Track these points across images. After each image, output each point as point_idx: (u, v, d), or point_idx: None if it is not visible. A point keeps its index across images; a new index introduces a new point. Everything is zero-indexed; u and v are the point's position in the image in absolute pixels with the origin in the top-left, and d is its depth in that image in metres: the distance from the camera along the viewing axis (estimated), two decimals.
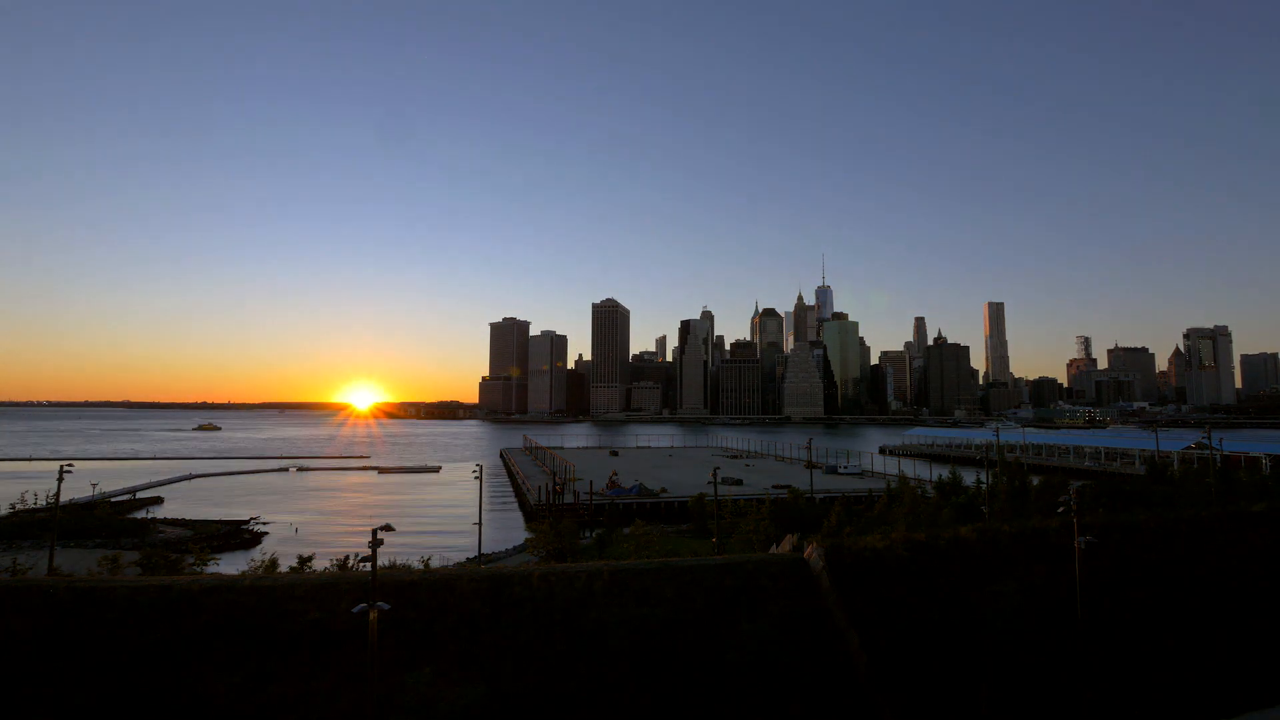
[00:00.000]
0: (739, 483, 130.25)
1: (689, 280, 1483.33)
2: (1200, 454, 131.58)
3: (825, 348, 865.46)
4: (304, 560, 51.48)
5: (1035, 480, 77.87)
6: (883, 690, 30.49)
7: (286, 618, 30.65)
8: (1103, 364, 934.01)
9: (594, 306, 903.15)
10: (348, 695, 27.35)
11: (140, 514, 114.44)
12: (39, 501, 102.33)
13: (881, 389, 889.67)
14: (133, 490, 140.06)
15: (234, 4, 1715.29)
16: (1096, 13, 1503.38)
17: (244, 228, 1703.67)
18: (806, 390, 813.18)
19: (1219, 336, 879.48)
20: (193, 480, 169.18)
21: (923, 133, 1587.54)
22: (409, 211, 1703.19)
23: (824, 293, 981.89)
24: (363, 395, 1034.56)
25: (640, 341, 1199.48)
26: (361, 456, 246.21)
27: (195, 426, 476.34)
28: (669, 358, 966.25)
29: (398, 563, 47.66)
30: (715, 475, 77.84)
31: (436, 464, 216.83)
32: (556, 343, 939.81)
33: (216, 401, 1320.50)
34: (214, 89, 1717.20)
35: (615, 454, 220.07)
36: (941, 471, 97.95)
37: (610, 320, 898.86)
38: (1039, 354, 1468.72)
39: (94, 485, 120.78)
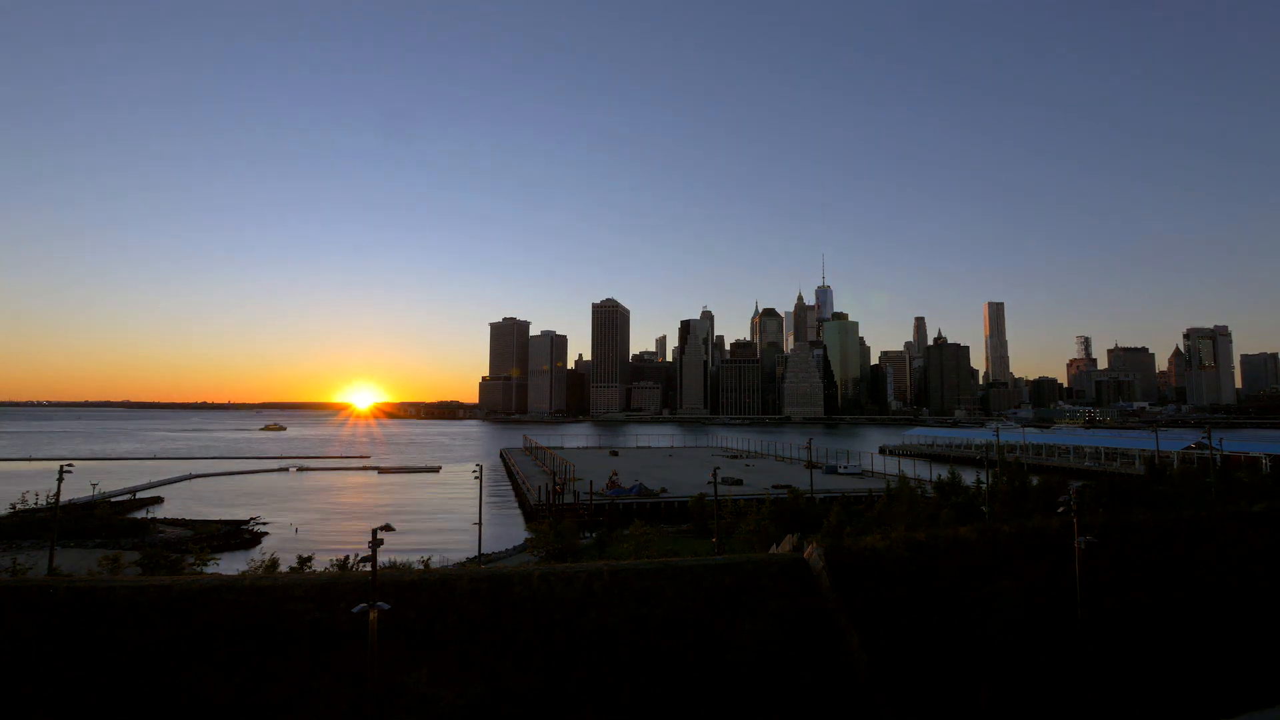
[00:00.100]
0: (739, 483, 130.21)
1: (689, 280, 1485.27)
2: (1200, 454, 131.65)
3: (825, 348, 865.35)
4: (304, 560, 51.51)
5: (1035, 480, 77.88)
6: (883, 690, 30.49)
7: (286, 618, 30.65)
8: (1103, 364, 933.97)
9: (594, 306, 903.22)
10: (348, 695, 27.35)
11: (140, 514, 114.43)
12: (39, 501, 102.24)
13: (881, 389, 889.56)
14: (133, 490, 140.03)
15: (236, 7, 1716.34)
16: (1096, 13, 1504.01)
17: (244, 228, 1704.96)
18: (806, 390, 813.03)
19: (1219, 336, 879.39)
20: (193, 480, 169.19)
21: (923, 133, 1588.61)
22: (409, 212, 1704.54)
23: (824, 293, 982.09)
24: (363, 395, 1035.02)
25: (640, 341, 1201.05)
26: (361, 456, 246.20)
27: (262, 427, 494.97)
28: (669, 358, 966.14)
29: (398, 563, 47.63)
30: (715, 475, 77.86)
31: (436, 464, 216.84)
32: (556, 343, 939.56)
33: (217, 401, 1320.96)
34: (214, 91, 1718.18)
35: (615, 454, 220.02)
36: (941, 471, 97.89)
37: (610, 320, 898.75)
38: (1039, 354, 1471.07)
39: (94, 485, 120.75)
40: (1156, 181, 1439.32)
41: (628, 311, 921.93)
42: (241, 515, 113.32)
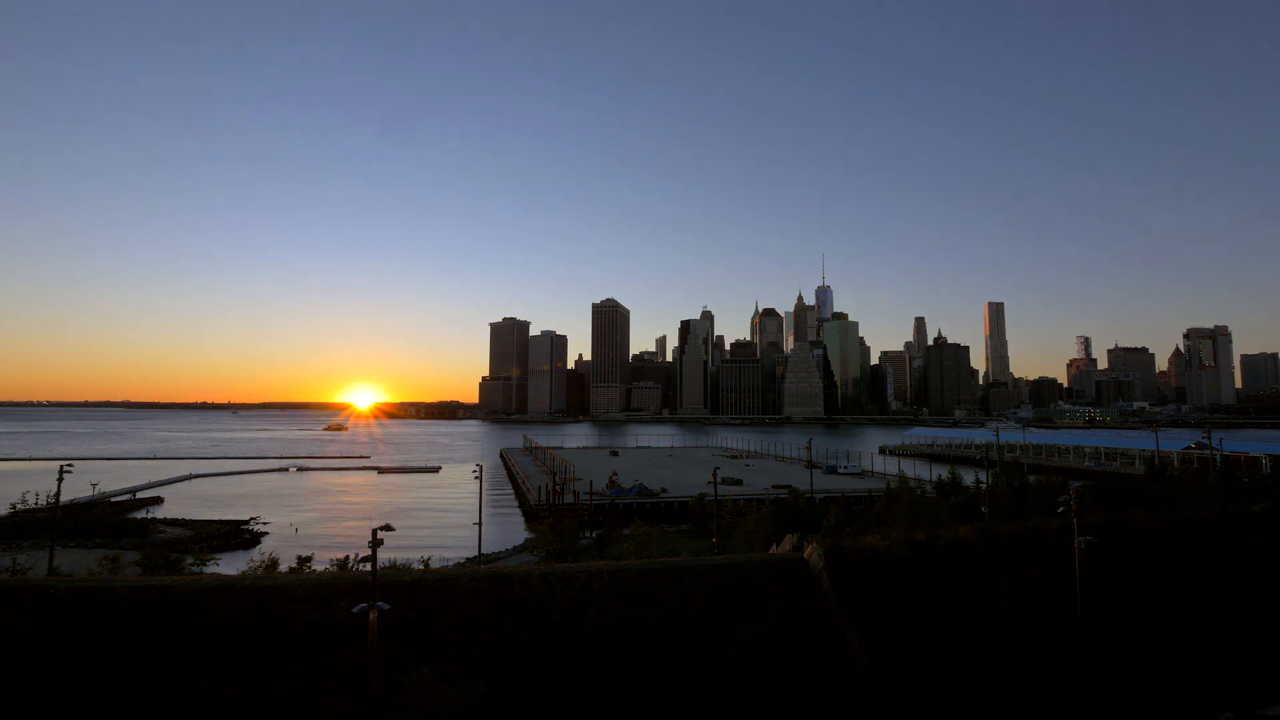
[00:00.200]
0: (739, 483, 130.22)
1: (689, 280, 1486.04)
2: (1200, 454, 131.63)
3: (825, 348, 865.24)
4: (304, 560, 51.51)
5: (1035, 480, 77.83)
6: (883, 690, 30.49)
7: (286, 618, 30.64)
8: (1103, 364, 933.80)
9: (594, 306, 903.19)
10: (348, 695, 27.34)
11: (140, 514, 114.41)
12: (39, 501, 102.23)
13: (881, 389, 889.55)
14: (133, 490, 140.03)
15: (236, 9, 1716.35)
16: (1095, 15, 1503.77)
17: (245, 229, 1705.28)
18: (806, 390, 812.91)
19: (1219, 336, 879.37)
20: (193, 480, 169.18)
21: (923, 133, 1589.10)
22: (410, 212, 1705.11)
23: (824, 293, 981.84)
24: (363, 395, 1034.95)
25: (640, 341, 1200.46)
26: (361, 457, 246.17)
27: (324, 427, 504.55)
28: (669, 358, 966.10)
29: (398, 563, 47.64)
30: (715, 475, 77.84)
31: (436, 464, 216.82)
32: (556, 343, 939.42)
33: (217, 401, 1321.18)
34: (214, 92, 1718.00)
35: (615, 454, 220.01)
36: (941, 471, 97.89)
37: (610, 320, 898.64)
38: (1039, 354, 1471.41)
39: (94, 485, 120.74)
40: (1156, 182, 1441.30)
41: (628, 311, 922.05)
42: (241, 515, 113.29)
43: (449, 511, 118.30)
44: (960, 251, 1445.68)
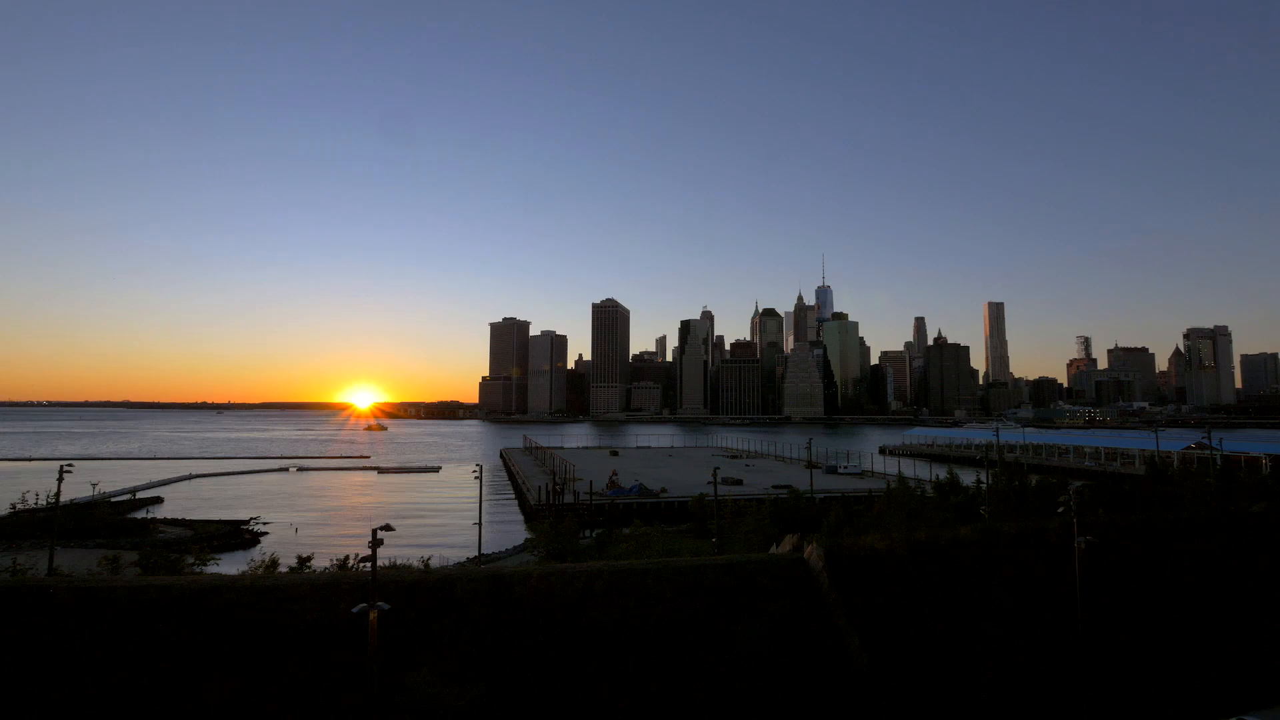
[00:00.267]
0: (739, 483, 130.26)
1: (689, 280, 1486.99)
2: (1200, 454, 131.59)
3: (825, 348, 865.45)
4: (304, 560, 51.53)
5: (1035, 480, 77.75)
6: (883, 690, 30.49)
7: (286, 618, 30.64)
8: (1103, 364, 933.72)
9: (594, 306, 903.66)
10: (348, 695, 27.34)
11: (140, 514, 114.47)
12: (39, 501, 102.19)
13: (881, 389, 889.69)
14: (133, 490, 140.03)
15: (237, 11, 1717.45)
16: (1095, 16, 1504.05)
17: (245, 229, 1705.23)
18: (806, 390, 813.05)
19: (1219, 336, 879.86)
20: (193, 480, 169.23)
21: (923, 133, 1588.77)
22: (410, 213, 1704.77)
23: (824, 293, 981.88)
24: (363, 395, 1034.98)
25: (640, 341, 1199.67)
26: (361, 457, 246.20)
27: (366, 427, 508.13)
28: (669, 358, 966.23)
29: (398, 563, 47.64)
30: (715, 475, 77.84)
31: (436, 464, 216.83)
32: (556, 343, 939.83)
33: (217, 401, 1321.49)
34: (214, 93, 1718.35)
35: (615, 454, 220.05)
36: (941, 471, 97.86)
37: (610, 320, 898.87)
38: (1039, 354, 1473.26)
39: (94, 485, 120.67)
40: (1156, 182, 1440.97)
41: (628, 311, 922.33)
42: (241, 515, 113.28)
43: (449, 511, 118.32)
44: (960, 251, 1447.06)
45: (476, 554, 68.90)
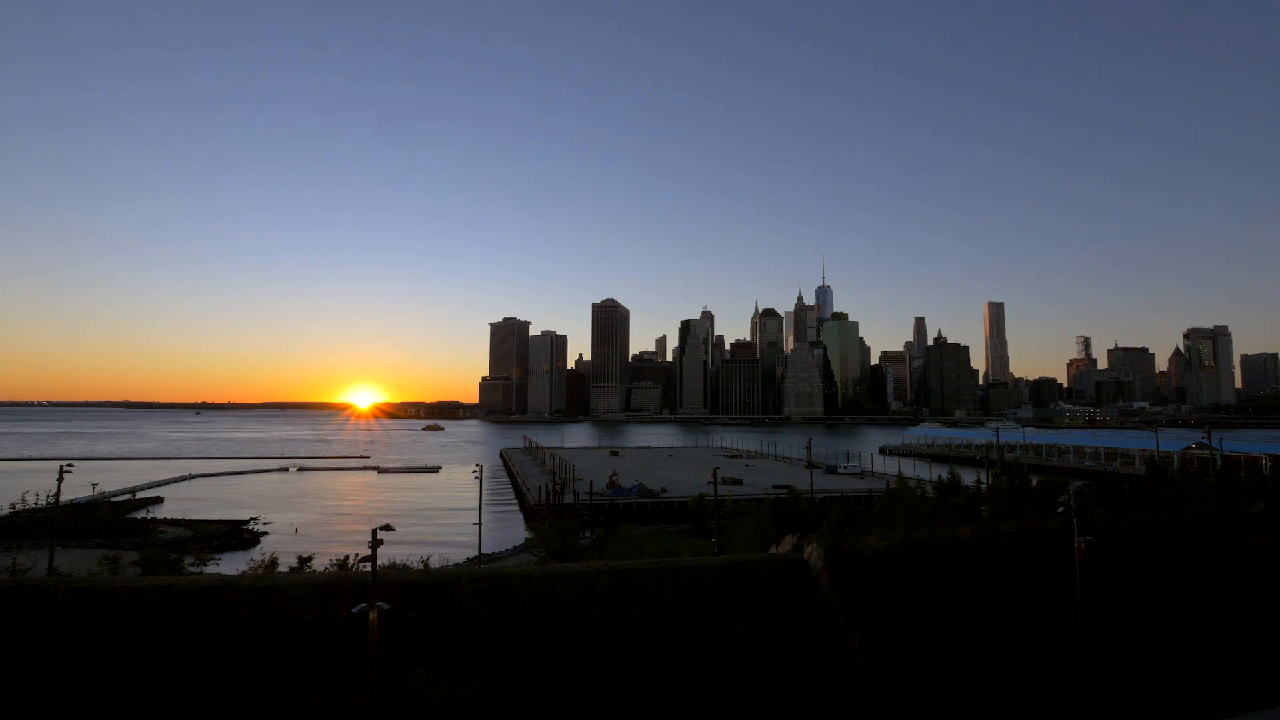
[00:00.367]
0: (739, 483, 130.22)
1: (689, 280, 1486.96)
2: (1200, 454, 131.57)
3: (825, 348, 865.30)
4: (304, 560, 51.56)
5: (1035, 480, 77.82)
6: (883, 690, 30.49)
7: (286, 618, 30.63)
8: (1103, 364, 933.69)
9: (594, 306, 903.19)
10: (347, 695, 27.34)
11: (140, 514, 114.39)
12: (39, 501, 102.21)
13: (881, 389, 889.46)
14: (133, 490, 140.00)
15: (241, 16, 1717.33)
16: (1095, 16, 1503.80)
17: (245, 230, 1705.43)
18: (806, 390, 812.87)
19: (1219, 336, 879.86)
20: (193, 480, 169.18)
21: (922, 133, 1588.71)
22: (410, 213, 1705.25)
23: (824, 293, 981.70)
24: (363, 396, 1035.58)
25: (640, 341, 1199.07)
26: (362, 456, 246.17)
27: (425, 427, 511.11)
28: (669, 358, 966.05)
29: (398, 563, 47.63)
30: (715, 475, 77.84)
31: (436, 464, 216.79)
32: (556, 343, 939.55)
33: (217, 401, 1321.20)
34: (215, 95, 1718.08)
35: (615, 454, 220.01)
36: (941, 471, 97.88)
37: (610, 320, 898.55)
38: (1039, 354, 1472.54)
39: (94, 485, 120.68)
40: (1156, 182, 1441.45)
41: (628, 311, 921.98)
42: (241, 515, 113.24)
43: (449, 512, 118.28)
44: (960, 251, 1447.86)
45: (476, 554, 68.88)
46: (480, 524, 68.05)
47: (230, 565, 62.46)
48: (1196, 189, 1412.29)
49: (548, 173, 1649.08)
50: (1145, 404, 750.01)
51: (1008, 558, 37.26)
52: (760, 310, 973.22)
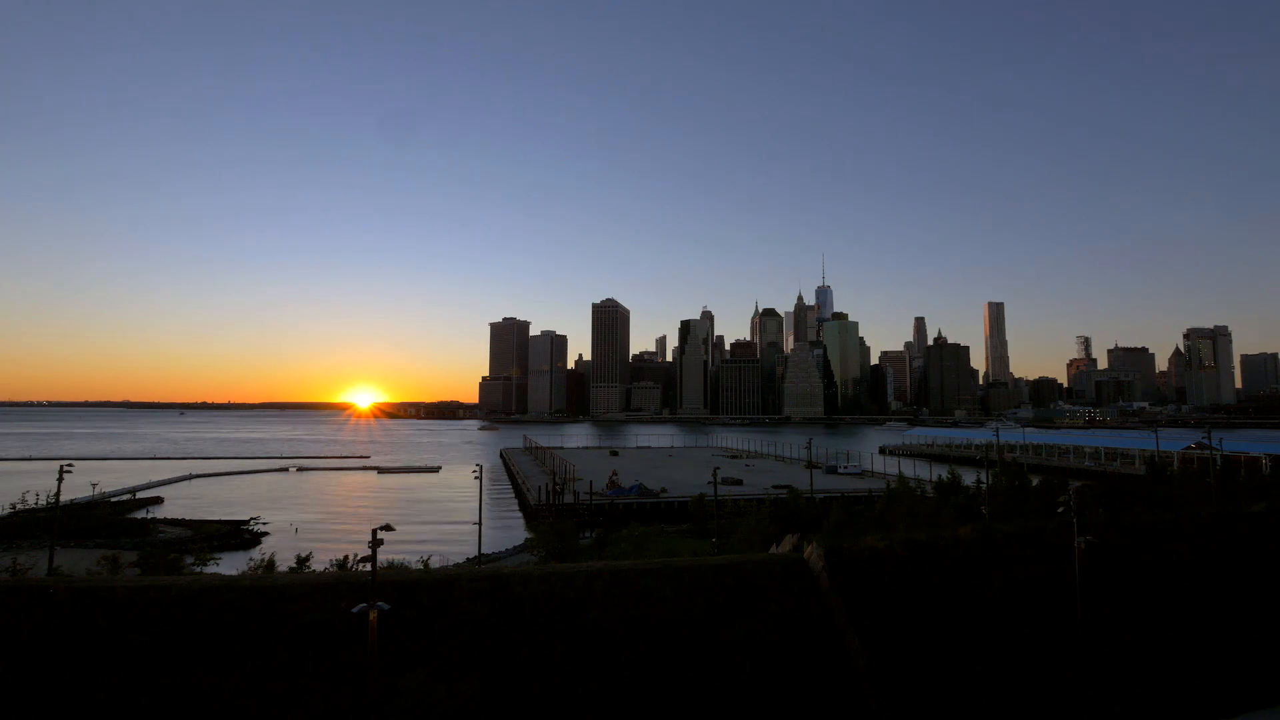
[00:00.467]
0: (739, 483, 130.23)
1: (689, 280, 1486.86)
2: (1200, 454, 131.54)
3: (825, 348, 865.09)
4: (303, 560, 51.60)
5: (1035, 480, 77.81)
6: (883, 691, 30.49)
7: (286, 618, 30.63)
8: (1103, 364, 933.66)
9: (594, 306, 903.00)
10: (347, 695, 27.35)
11: (140, 514, 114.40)
12: (39, 501, 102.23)
13: (881, 389, 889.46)
14: (133, 490, 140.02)
15: (241, 17, 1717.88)
16: (1094, 17, 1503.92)
17: (245, 230, 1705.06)
18: (806, 390, 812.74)
19: (1219, 336, 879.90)
20: (193, 480, 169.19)
21: (923, 134, 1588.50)
22: (409, 212, 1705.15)
23: (824, 293, 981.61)
24: (363, 396, 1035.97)
25: (640, 341, 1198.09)
26: (361, 456, 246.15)
27: (480, 427, 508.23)
28: (669, 358, 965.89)
29: (397, 563, 47.67)
30: (715, 475, 77.86)
31: (436, 464, 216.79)
32: (556, 343, 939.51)
33: (217, 401, 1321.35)
34: (215, 96, 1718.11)
35: (615, 454, 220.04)
36: (941, 471, 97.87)
37: (610, 320, 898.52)
38: (1039, 354, 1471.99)
39: (94, 485, 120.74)
40: (1156, 182, 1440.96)
41: (628, 311, 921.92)
42: (241, 515, 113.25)
43: (449, 512, 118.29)
44: (960, 251, 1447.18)
45: (476, 554, 68.89)
46: (480, 524, 68.05)
47: (230, 565, 62.47)
48: (1196, 189, 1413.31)
49: (548, 173, 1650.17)
50: (1145, 404, 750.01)
51: (1008, 558, 37.25)
52: (760, 310, 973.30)
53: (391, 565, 43.26)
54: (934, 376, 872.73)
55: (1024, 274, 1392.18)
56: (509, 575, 35.00)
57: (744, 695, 29.71)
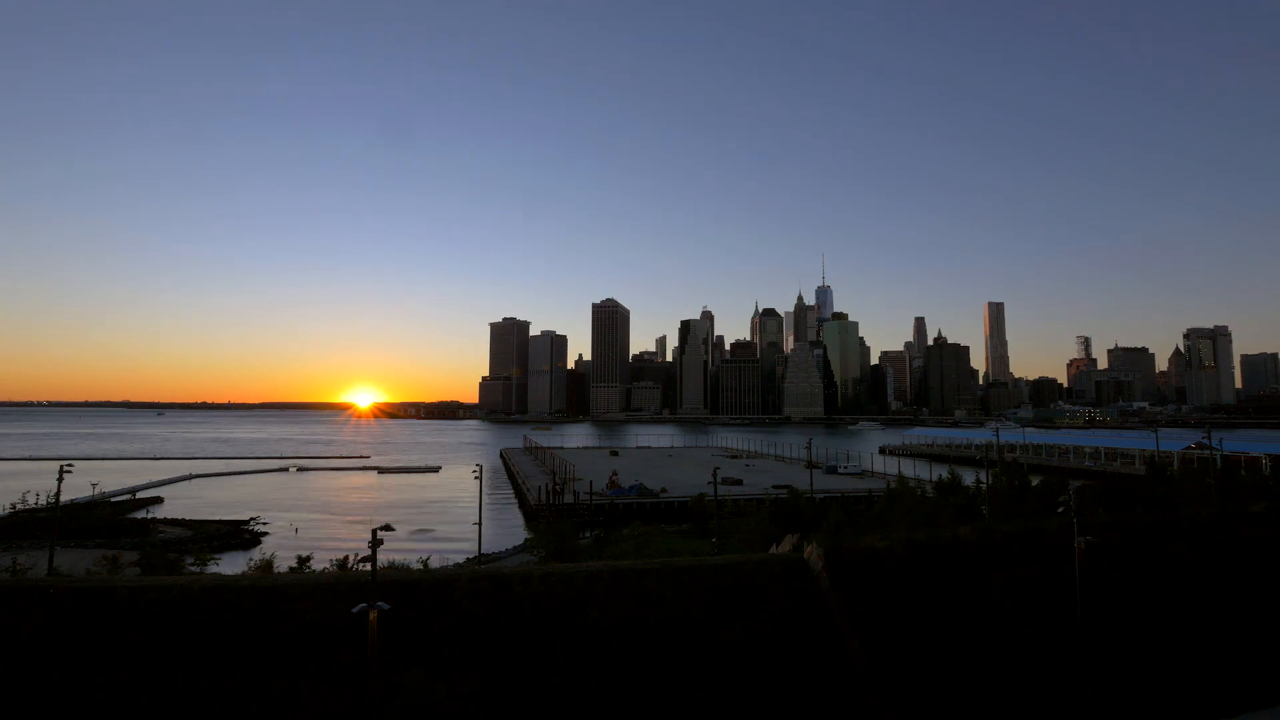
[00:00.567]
0: (739, 483, 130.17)
1: (689, 280, 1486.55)
2: (1200, 454, 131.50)
3: (825, 348, 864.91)
4: (303, 560, 51.62)
5: (1035, 480, 77.77)
6: (883, 691, 30.49)
7: (286, 618, 30.64)
8: (1103, 364, 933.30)
9: (594, 306, 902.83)
10: (347, 695, 27.35)
11: (140, 514, 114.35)
12: (39, 501, 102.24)
13: (881, 389, 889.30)
14: (133, 490, 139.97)
15: (242, 18, 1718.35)
16: (1093, 18, 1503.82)
17: (245, 230, 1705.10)
18: (806, 390, 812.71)
19: (1219, 336, 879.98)
20: (193, 480, 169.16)
21: (922, 134, 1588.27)
22: (409, 212, 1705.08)
23: (824, 293, 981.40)
24: (363, 396, 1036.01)
25: (640, 341, 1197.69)
26: (361, 456, 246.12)
27: (534, 427, 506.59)
28: (669, 358, 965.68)
29: (397, 563, 47.66)
30: (715, 475, 77.82)
31: (436, 464, 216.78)
32: (556, 343, 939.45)
33: (217, 401, 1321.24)
34: (215, 96, 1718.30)
35: (615, 454, 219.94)
36: (941, 471, 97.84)
37: (610, 320, 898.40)
38: (1039, 354, 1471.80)
39: (94, 485, 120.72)
40: (1156, 182, 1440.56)
41: (628, 311, 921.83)
42: (241, 515, 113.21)
43: (449, 512, 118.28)
44: (960, 252, 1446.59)
45: (476, 554, 68.89)
46: (480, 524, 68.05)
47: (230, 565, 62.48)
48: (1196, 189, 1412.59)
49: (547, 173, 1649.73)
50: (1145, 404, 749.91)
51: (1008, 558, 37.26)
52: (760, 310, 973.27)
53: (391, 565, 43.26)
54: (934, 376, 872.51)
55: (1024, 274, 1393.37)
56: (509, 575, 35.00)
57: (744, 695, 29.70)
